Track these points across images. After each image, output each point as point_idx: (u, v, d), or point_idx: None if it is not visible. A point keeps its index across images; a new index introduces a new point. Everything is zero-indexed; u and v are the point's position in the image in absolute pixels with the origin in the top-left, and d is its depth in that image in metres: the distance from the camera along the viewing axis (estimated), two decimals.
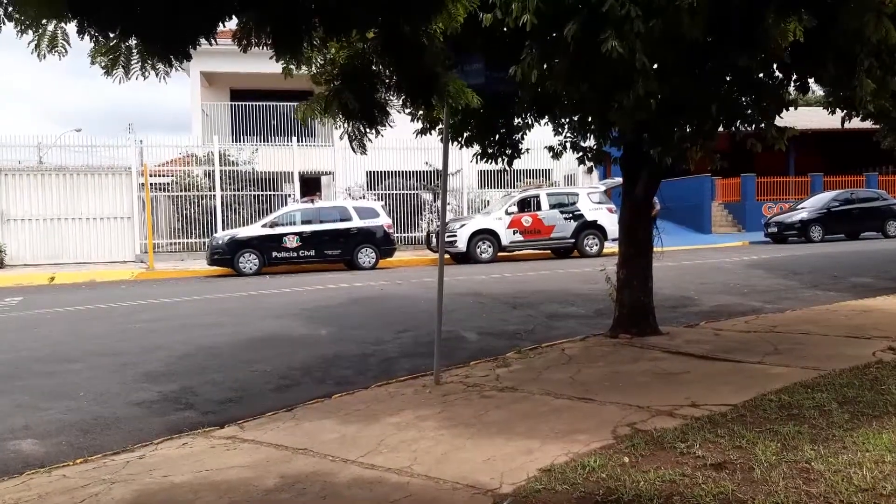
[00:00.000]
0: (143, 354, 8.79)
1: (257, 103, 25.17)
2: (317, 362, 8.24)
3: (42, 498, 4.44)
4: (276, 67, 5.22)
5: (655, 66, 6.47)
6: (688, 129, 7.31)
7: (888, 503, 3.58)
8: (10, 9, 3.27)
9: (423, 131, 7.90)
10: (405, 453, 4.85)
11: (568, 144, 8.92)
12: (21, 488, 4.64)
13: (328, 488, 4.32)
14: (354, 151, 6.04)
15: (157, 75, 3.74)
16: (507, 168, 8.92)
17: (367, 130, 5.67)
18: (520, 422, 5.42)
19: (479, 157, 8.68)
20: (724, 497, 3.76)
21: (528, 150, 8.93)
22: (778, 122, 7.47)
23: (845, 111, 7.26)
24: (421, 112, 6.09)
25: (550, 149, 8.91)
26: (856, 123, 7.74)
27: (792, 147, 30.51)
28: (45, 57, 3.39)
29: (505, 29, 6.32)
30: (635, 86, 5.84)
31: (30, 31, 3.33)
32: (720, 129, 7.63)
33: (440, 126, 7.38)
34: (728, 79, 7.15)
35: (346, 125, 5.75)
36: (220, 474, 4.67)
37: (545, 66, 6.42)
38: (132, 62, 3.73)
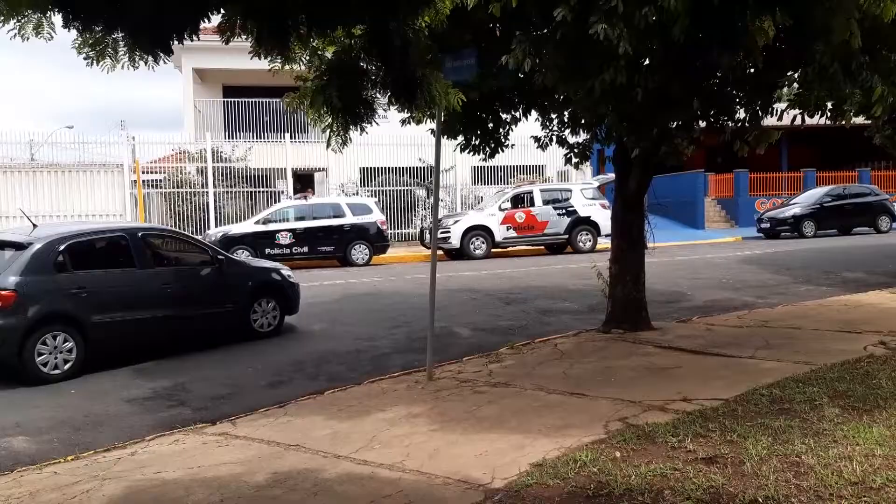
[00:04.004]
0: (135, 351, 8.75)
1: (250, 100, 25.06)
2: (309, 358, 8.23)
3: (33, 495, 4.42)
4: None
5: (647, 61, 6.49)
6: (672, 125, 7.36)
7: (878, 496, 3.60)
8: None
9: (408, 121, 7.89)
10: (397, 449, 4.85)
11: (554, 137, 8.95)
12: (12, 485, 4.63)
13: (320, 484, 4.32)
14: (329, 146, 6.02)
15: (145, 64, 3.74)
16: (489, 160, 8.95)
17: (352, 127, 5.65)
18: (512, 417, 5.42)
19: (462, 147, 8.72)
20: (715, 491, 3.77)
21: (512, 145, 8.98)
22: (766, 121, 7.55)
23: (802, 111, 7.35)
24: (406, 111, 6.10)
25: (536, 139, 8.93)
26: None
27: (784, 142, 30.60)
28: (27, 39, 3.39)
29: (492, 25, 6.31)
30: (605, 73, 5.86)
31: (11, 21, 3.32)
32: (703, 123, 7.69)
33: (427, 115, 7.39)
34: (719, 74, 7.18)
35: (330, 119, 5.73)
36: (211, 470, 4.67)
37: (538, 59, 6.43)
38: (119, 54, 3.73)
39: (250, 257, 10.53)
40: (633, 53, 5.65)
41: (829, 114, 7.32)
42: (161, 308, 8.46)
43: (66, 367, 7.62)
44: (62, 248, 7.98)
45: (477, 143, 8.60)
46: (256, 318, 9.51)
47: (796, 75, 7.06)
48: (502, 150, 8.82)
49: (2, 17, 3.29)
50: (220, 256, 9.52)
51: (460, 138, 8.61)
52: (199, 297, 8.99)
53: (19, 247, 7.89)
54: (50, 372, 7.52)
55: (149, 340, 8.50)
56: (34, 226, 8.58)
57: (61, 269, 7.88)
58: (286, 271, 10.24)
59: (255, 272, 10.01)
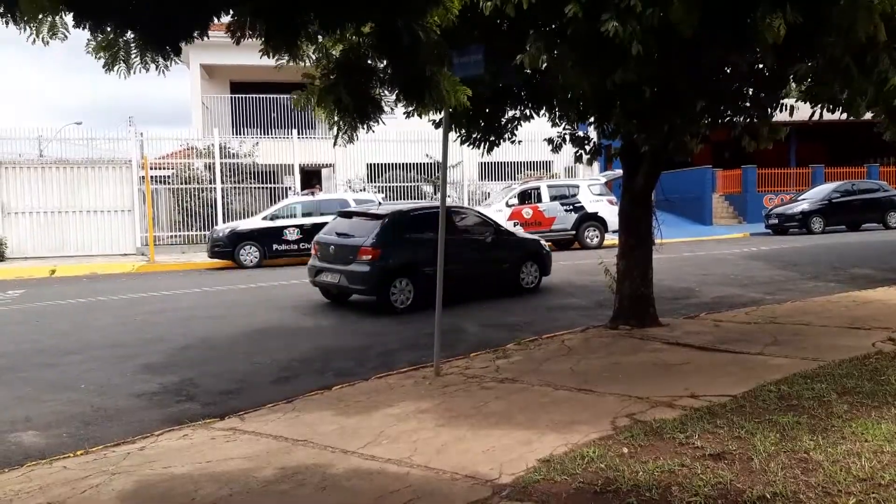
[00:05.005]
0: (144, 346, 8.81)
1: (257, 95, 25.09)
2: (317, 354, 8.25)
3: (43, 489, 4.45)
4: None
5: (655, 56, 6.48)
6: (679, 121, 7.33)
7: (887, 493, 3.59)
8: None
9: (412, 112, 7.92)
10: (405, 444, 4.86)
11: (567, 137, 8.92)
12: (22, 480, 4.66)
13: (328, 479, 4.33)
14: (336, 144, 6.03)
15: (157, 68, 3.74)
16: (488, 154, 8.96)
17: (360, 126, 5.65)
18: (519, 413, 5.43)
19: (462, 140, 8.72)
20: (723, 487, 3.77)
21: (520, 141, 8.96)
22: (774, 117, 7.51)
23: (815, 107, 7.29)
24: (414, 109, 6.12)
25: (549, 141, 8.92)
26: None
27: (793, 138, 30.43)
28: (47, 43, 3.40)
29: (500, 20, 6.28)
30: (616, 72, 5.84)
31: (29, 26, 3.34)
32: (707, 120, 7.66)
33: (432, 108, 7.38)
34: (727, 70, 7.15)
35: (337, 118, 5.72)
36: (220, 465, 4.69)
37: (546, 56, 6.41)
38: (131, 56, 3.73)
39: (519, 229, 14.88)
40: (644, 52, 5.62)
41: (840, 108, 7.27)
42: (465, 265, 11.22)
43: (407, 303, 10.77)
44: (405, 219, 11.34)
45: (477, 136, 8.59)
46: (523, 277, 12.33)
47: (806, 68, 7.01)
48: (498, 145, 8.80)
49: (20, 24, 3.30)
50: (501, 228, 12.58)
51: (462, 132, 8.61)
52: (488, 258, 11.91)
53: (377, 217, 11.27)
54: (397, 306, 10.69)
55: (455, 289, 10.40)
56: (379, 203, 12.35)
57: (405, 233, 11.08)
58: (544, 242, 13.17)
59: (524, 242, 12.87)
